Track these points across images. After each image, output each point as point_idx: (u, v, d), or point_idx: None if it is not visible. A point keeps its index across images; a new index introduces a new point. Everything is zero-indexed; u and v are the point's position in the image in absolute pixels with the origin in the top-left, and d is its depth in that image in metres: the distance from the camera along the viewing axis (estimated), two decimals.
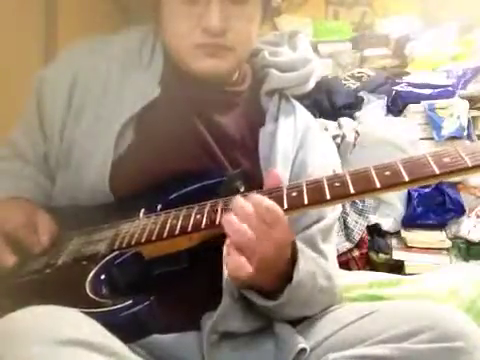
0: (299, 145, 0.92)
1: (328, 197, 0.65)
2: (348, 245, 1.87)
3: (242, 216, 0.66)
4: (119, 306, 0.65)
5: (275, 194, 0.69)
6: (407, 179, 0.61)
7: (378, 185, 0.63)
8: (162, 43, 0.93)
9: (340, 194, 0.64)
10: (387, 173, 0.63)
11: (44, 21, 1.85)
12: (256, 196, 0.67)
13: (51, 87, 0.93)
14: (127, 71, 0.91)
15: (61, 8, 1.89)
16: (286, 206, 0.67)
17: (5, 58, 1.52)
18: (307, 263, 0.75)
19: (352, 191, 0.64)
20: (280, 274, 0.72)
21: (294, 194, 0.67)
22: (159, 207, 0.81)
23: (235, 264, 0.66)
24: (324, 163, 0.96)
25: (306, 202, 0.66)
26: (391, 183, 0.62)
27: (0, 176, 0.93)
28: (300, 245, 0.76)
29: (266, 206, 0.66)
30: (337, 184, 0.65)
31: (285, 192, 0.69)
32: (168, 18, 0.88)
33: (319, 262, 0.83)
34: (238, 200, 0.67)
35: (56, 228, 0.83)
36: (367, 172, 0.64)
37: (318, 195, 0.65)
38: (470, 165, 0.59)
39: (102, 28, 1.99)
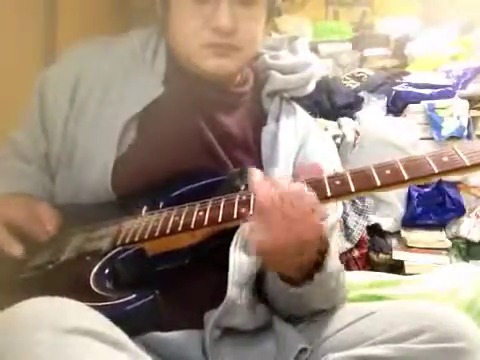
0: (300, 145, 0.93)
1: (329, 194, 0.66)
2: (348, 245, 1.87)
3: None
4: (123, 300, 0.66)
5: None
6: (407, 178, 0.64)
7: (378, 183, 0.65)
8: (166, 43, 0.93)
9: (341, 192, 0.66)
10: (387, 172, 0.65)
11: (44, 21, 1.85)
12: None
13: (54, 87, 0.93)
14: (130, 71, 0.91)
15: (61, 8, 1.89)
16: None
17: (5, 58, 1.52)
18: (335, 256, 0.77)
19: (352, 189, 0.65)
20: (303, 265, 0.72)
21: None
22: (161, 204, 0.81)
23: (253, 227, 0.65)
24: (325, 163, 0.96)
25: None
26: (391, 182, 0.65)
27: (1, 175, 0.93)
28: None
29: (301, 194, 0.65)
30: (338, 182, 0.66)
31: None
32: (176, 17, 0.88)
33: None
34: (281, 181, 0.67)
35: (59, 218, 0.84)
36: (368, 171, 0.66)
37: (319, 192, 0.66)
38: (468, 164, 0.62)
39: (102, 28, 1.99)
